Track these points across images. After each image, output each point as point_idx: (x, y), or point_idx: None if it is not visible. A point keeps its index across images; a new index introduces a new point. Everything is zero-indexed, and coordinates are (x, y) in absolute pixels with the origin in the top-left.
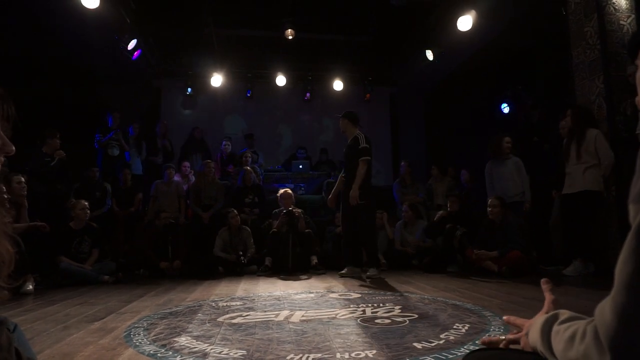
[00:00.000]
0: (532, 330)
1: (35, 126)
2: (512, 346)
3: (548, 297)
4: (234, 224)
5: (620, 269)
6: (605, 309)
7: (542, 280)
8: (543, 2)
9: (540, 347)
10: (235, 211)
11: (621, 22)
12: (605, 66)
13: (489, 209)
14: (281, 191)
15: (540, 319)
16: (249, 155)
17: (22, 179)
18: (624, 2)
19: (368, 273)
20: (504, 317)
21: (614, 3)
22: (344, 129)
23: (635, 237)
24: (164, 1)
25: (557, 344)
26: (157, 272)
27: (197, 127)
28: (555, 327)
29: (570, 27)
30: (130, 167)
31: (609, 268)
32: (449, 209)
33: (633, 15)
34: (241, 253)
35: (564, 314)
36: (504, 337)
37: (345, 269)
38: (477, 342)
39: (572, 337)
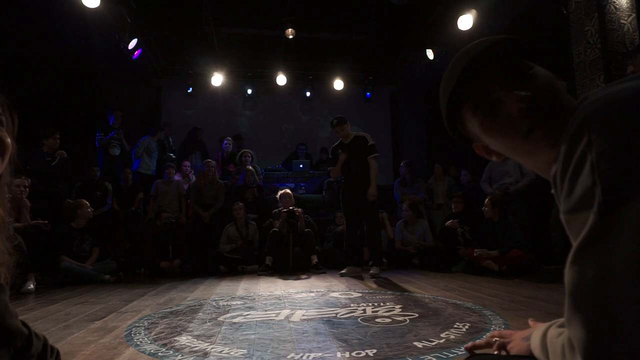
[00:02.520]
0: (534, 333)
1: (36, 126)
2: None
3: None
4: (239, 217)
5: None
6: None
7: (530, 320)
8: (543, 1)
9: (538, 354)
10: (241, 204)
11: (622, 21)
12: (606, 65)
13: (483, 209)
14: (281, 191)
15: (542, 326)
16: (249, 154)
17: (25, 182)
18: (625, 1)
19: (370, 272)
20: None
21: (614, 2)
22: (347, 134)
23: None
24: (165, 0)
25: (551, 355)
26: (158, 272)
27: (197, 126)
28: (550, 331)
29: (571, 26)
30: (130, 166)
31: None
32: (453, 210)
33: (634, 14)
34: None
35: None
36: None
37: (346, 268)
38: (476, 340)
39: (562, 352)
